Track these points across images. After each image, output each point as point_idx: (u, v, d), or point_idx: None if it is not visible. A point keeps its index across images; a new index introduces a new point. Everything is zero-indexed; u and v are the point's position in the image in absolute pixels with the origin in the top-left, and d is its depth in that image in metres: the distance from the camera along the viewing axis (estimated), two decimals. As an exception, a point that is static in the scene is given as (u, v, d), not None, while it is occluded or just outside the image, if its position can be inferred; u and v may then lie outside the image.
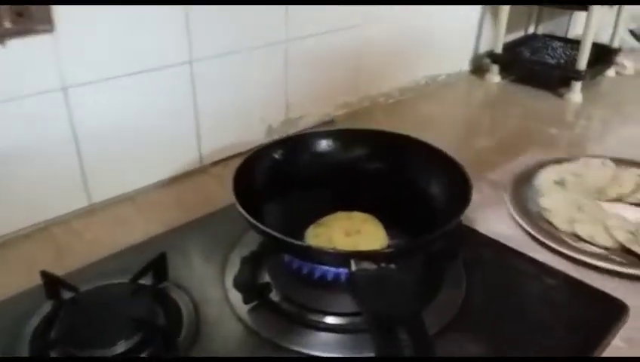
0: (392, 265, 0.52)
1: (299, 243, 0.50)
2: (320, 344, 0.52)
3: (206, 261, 0.62)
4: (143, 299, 0.53)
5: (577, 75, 1.08)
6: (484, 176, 0.81)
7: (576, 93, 1.10)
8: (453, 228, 0.50)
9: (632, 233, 0.64)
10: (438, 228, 0.51)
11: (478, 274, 0.60)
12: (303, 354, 0.51)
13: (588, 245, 0.65)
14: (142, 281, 0.56)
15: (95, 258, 0.61)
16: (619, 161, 0.78)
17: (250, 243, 0.60)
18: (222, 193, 0.70)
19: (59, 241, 0.67)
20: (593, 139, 0.99)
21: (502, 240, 0.66)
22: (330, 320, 0.54)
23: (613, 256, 0.63)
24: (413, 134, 0.66)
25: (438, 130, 0.99)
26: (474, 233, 0.67)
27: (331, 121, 0.97)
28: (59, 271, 0.56)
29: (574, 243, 0.65)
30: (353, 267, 0.45)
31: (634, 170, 0.76)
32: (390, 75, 1.06)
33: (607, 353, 0.52)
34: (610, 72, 1.22)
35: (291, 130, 0.90)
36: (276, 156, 0.63)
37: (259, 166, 0.61)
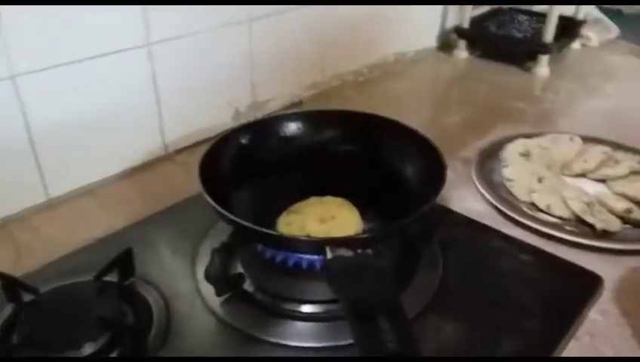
0: (369, 250, 0.51)
1: (271, 232, 0.48)
2: (296, 333, 0.51)
3: (174, 254, 0.59)
4: (110, 297, 0.51)
5: (544, 49, 1.08)
6: (455, 153, 0.81)
7: (543, 67, 1.10)
8: (429, 209, 0.49)
9: (587, 204, 0.65)
10: (413, 210, 0.50)
11: (454, 254, 0.59)
12: (279, 344, 0.49)
13: (544, 215, 0.66)
14: (107, 278, 0.53)
15: (56, 256, 0.58)
16: (586, 138, 0.78)
17: (221, 233, 0.58)
18: (188, 182, 0.67)
19: (17, 239, 0.63)
20: (560, 112, 1.00)
21: (475, 218, 0.66)
22: (306, 308, 0.52)
23: (567, 226, 0.64)
24: (383, 113, 0.64)
25: (408, 107, 0.98)
26: (448, 212, 0.67)
27: (300, 103, 0.95)
28: (19, 270, 0.54)
29: (532, 213, 0.66)
30: (329, 254, 0.44)
31: (600, 148, 0.76)
32: (358, 53, 1.04)
33: (585, 326, 0.52)
34: (576, 45, 1.23)
35: (259, 114, 0.87)
36: (243, 141, 0.60)
37: (226, 152, 0.59)
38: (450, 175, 0.75)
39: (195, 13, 0.74)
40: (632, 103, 0.98)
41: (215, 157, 0.56)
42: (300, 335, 0.50)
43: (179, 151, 0.80)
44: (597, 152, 0.75)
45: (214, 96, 0.81)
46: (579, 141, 0.77)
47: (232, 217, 0.47)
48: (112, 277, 0.53)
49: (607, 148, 0.76)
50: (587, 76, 1.11)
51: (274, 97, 0.90)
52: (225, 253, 0.52)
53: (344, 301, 0.39)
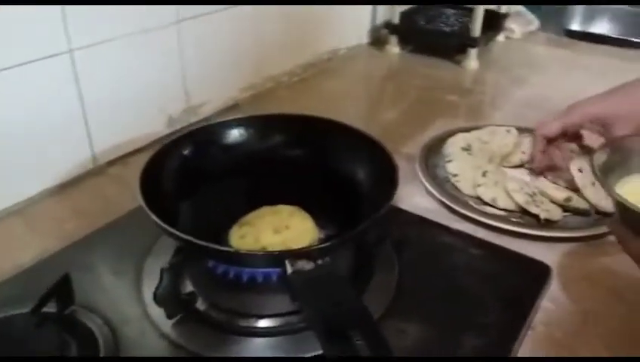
0: (328, 259, 0.49)
1: (226, 249, 0.45)
2: (254, 349, 0.48)
3: (117, 276, 0.55)
4: (50, 330, 0.46)
5: (473, 42, 1.10)
6: (397, 150, 0.81)
7: (472, 60, 1.12)
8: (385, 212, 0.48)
9: (530, 195, 0.67)
10: (367, 213, 0.49)
11: (408, 253, 0.58)
12: (237, 363, 0.47)
13: (491, 208, 0.67)
14: (45, 309, 0.48)
15: (-17, 287, 0.53)
16: (522, 129, 0.80)
17: (165, 250, 0.55)
18: (124, 196, 0.63)
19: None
20: (492, 104, 1.03)
21: (425, 215, 0.66)
22: (263, 323, 0.50)
23: (513, 218, 0.65)
24: (321, 112, 0.63)
25: (344, 105, 0.97)
26: (398, 211, 0.66)
27: (236, 105, 0.92)
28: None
29: (478, 207, 0.67)
30: (289, 269, 0.42)
31: (534, 138, 0.78)
32: (291, 53, 1.02)
33: (539, 315, 0.53)
34: (500, 37, 1.27)
35: (193, 119, 0.83)
36: (185, 152, 0.56)
37: (166, 165, 0.55)
38: (395, 173, 0.76)
39: (119, 15, 0.70)
40: (557, 92, 1.01)
41: (155, 171, 0.52)
42: (258, 351, 0.48)
43: (111, 163, 0.75)
44: (532, 143, 0.77)
45: (145, 102, 0.77)
46: (515, 132, 0.79)
47: (182, 235, 0.44)
48: (50, 308, 0.49)
49: (541, 138, 0.78)
50: (513, 67, 1.15)
51: (208, 101, 0.86)
52: (173, 271, 0.48)
53: (311, 316, 0.37)
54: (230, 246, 0.51)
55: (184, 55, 0.80)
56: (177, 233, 0.43)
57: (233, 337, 0.49)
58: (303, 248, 0.43)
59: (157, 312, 0.50)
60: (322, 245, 0.44)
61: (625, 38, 1.23)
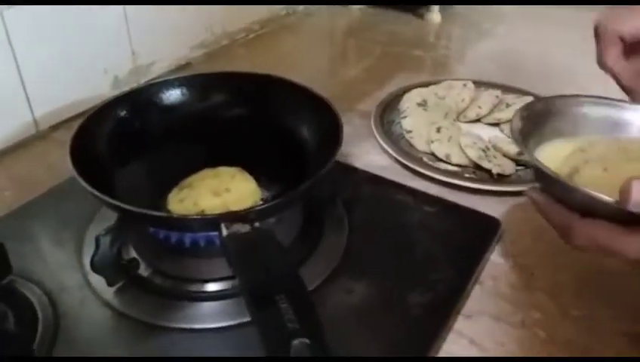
0: (272, 220, 0.48)
1: (158, 213, 0.44)
2: (203, 315, 0.47)
3: (57, 245, 0.53)
4: (-16, 302, 0.45)
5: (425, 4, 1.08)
6: (354, 107, 0.79)
7: (435, 13, 1.10)
8: (327, 172, 0.47)
9: (483, 150, 0.66)
10: (313, 173, 0.47)
11: (359, 212, 0.58)
12: (185, 329, 0.46)
13: (445, 164, 0.66)
14: (-22, 281, 0.47)
15: None
16: (479, 83, 0.79)
17: (109, 216, 0.53)
18: (68, 162, 0.61)
19: None
20: (455, 58, 1.01)
21: (378, 173, 0.65)
22: (211, 287, 0.49)
23: (466, 174, 0.65)
24: (278, 71, 0.61)
25: (304, 63, 0.95)
26: (350, 170, 0.65)
27: (188, 65, 0.88)
28: None
29: (432, 163, 0.66)
30: (224, 231, 0.40)
31: (492, 92, 0.77)
32: (247, 9, 0.98)
33: (488, 270, 0.53)
34: (464, -11, 1.24)
35: (143, 80, 0.80)
36: (121, 114, 0.54)
37: (101, 128, 0.52)
38: (349, 130, 0.74)
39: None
40: (521, 46, 1.00)
41: (88, 135, 0.50)
42: (206, 316, 0.47)
43: (54, 128, 0.72)
44: (489, 97, 0.76)
45: (87, 63, 0.73)
46: (472, 87, 0.78)
47: (112, 200, 0.42)
48: (-17, 280, 0.47)
49: (498, 92, 0.77)
50: (478, 21, 1.13)
51: (158, 60, 0.83)
52: (112, 238, 0.47)
53: (241, 281, 0.36)
54: (168, 211, 0.49)
55: (127, 11, 0.76)
56: (106, 198, 0.42)
57: (180, 302, 0.48)
58: (237, 211, 0.41)
59: (98, 280, 0.48)
60: (258, 207, 0.43)
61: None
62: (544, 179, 0.41)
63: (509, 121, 0.70)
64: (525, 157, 0.43)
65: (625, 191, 0.32)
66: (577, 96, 0.49)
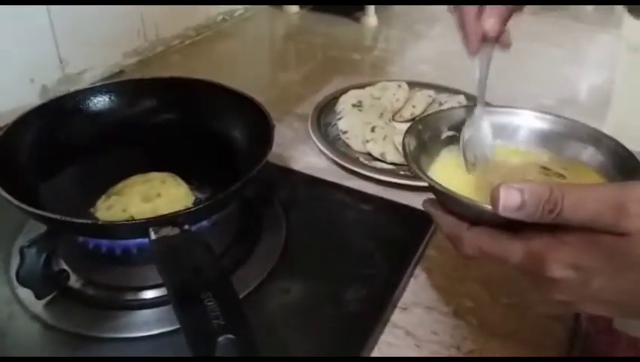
0: (206, 223, 0.48)
1: (82, 221, 0.42)
2: (137, 323, 0.47)
3: (-17, 259, 0.51)
4: None
5: (364, 4, 1.10)
6: (292, 111, 0.80)
7: (371, 17, 1.12)
8: (259, 173, 0.47)
9: None
10: (244, 175, 0.47)
11: (297, 213, 0.58)
12: (118, 339, 0.45)
13: (380, 163, 0.68)
14: None
15: None
16: (413, 84, 0.81)
17: (38, 229, 0.51)
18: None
19: None
20: (391, 60, 1.03)
21: (317, 174, 0.66)
22: (146, 294, 0.48)
23: (401, 171, 0.66)
24: (215, 77, 0.60)
25: (241, 69, 0.95)
26: (289, 172, 0.66)
27: (121, 72, 0.87)
28: None
29: (368, 163, 0.67)
30: (152, 236, 0.40)
31: (425, 92, 0.79)
32: (181, 15, 0.97)
33: (424, 263, 0.54)
34: (400, -7, 1.27)
35: (73, 89, 0.77)
36: (43, 123, 0.52)
37: (23, 137, 0.51)
38: (288, 133, 0.75)
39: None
40: (454, 47, 1.03)
41: (9, 145, 0.48)
42: (143, 325, 0.46)
43: (-20, 141, 0.69)
44: (423, 97, 0.78)
45: (13, 73, 0.71)
46: (406, 87, 0.80)
47: (33, 210, 0.41)
48: None
49: (432, 92, 0.79)
50: (413, 23, 1.16)
51: (88, 68, 0.81)
52: (38, 249, 0.45)
53: (167, 284, 0.36)
54: (96, 219, 0.48)
55: (53, 16, 0.74)
56: (27, 208, 0.40)
57: (114, 312, 0.47)
58: (165, 214, 0.41)
59: (26, 294, 0.47)
60: (185, 210, 0.43)
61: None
62: (433, 190, 0.40)
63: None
64: (415, 173, 0.42)
65: (494, 198, 0.32)
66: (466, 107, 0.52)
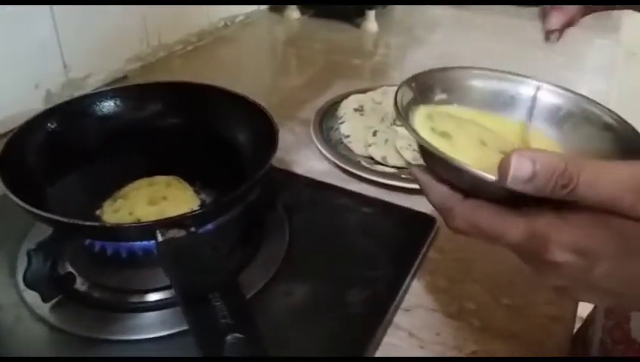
0: (211, 226, 0.48)
1: (89, 223, 0.43)
2: (144, 325, 0.47)
3: (-10, 263, 0.52)
4: None
5: (370, 4, 1.11)
6: (295, 116, 0.80)
7: (371, 22, 1.13)
8: (263, 177, 0.47)
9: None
10: (250, 179, 0.48)
11: (300, 217, 0.59)
12: (124, 341, 0.46)
13: (382, 166, 0.68)
14: None
15: None
16: (414, 88, 0.82)
17: (44, 232, 0.52)
18: None
19: None
20: (393, 65, 1.04)
21: (319, 178, 0.66)
22: (151, 297, 0.49)
23: (403, 175, 0.66)
24: (218, 82, 0.61)
25: (244, 74, 0.95)
26: (291, 176, 0.66)
27: (125, 78, 0.88)
28: None
29: (370, 166, 0.68)
30: (159, 238, 0.41)
31: (427, 96, 0.80)
32: (184, 21, 0.98)
33: (425, 266, 0.55)
34: (400, -1, 1.28)
35: (77, 94, 0.79)
36: (52, 126, 0.53)
37: (31, 141, 0.51)
38: (290, 138, 0.75)
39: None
40: (455, 52, 1.04)
41: (18, 149, 0.49)
42: (148, 327, 0.47)
43: (-15, 146, 0.69)
44: (424, 101, 0.79)
45: (18, 78, 0.72)
46: (407, 92, 0.80)
47: (41, 212, 0.41)
48: None
49: (431, 96, 0.80)
50: (413, 28, 1.17)
51: (92, 73, 0.82)
52: (45, 252, 0.46)
53: (176, 286, 0.36)
54: (103, 222, 0.49)
55: (58, 21, 0.74)
56: (35, 210, 0.41)
57: (120, 315, 0.48)
58: (172, 217, 0.41)
59: (33, 297, 0.47)
60: (192, 213, 0.43)
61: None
62: (425, 154, 0.36)
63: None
64: (408, 132, 0.36)
65: (503, 167, 0.29)
66: (468, 68, 0.45)
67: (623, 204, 0.28)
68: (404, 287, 0.51)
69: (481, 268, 0.55)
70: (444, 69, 0.44)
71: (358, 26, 1.14)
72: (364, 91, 0.82)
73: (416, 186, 0.63)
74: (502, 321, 0.49)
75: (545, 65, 0.99)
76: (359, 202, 0.62)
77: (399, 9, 1.26)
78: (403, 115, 0.37)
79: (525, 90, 0.44)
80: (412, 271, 0.53)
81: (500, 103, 0.44)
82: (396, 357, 0.46)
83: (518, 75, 0.44)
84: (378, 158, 0.68)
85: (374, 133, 0.71)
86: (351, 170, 0.66)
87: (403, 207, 0.61)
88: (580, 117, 0.42)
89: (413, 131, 0.35)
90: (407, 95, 0.40)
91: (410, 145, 0.68)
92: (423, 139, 0.35)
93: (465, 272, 0.54)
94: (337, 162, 0.68)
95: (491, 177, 0.29)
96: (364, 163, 0.69)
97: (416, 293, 0.52)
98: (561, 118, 0.43)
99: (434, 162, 0.35)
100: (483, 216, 0.32)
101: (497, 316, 0.50)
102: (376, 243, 0.56)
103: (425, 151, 0.35)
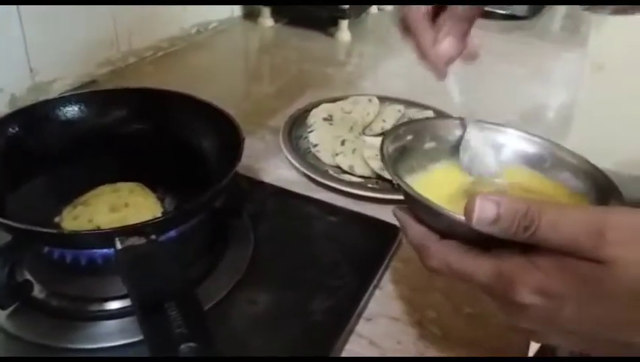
0: (173, 234, 0.48)
1: (46, 230, 0.42)
2: (103, 334, 0.47)
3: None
4: None
5: (342, 14, 1.12)
6: (266, 123, 0.81)
7: (344, 32, 1.14)
8: (228, 184, 0.47)
9: None
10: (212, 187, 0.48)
11: (266, 225, 0.59)
12: (83, 349, 0.45)
13: (349, 176, 0.69)
14: None
15: None
16: (383, 98, 0.83)
17: (2, 239, 0.51)
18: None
19: None
20: (364, 75, 1.04)
21: (287, 187, 0.66)
22: (111, 305, 0.48)
23: (369, 184, 0.67)
24: (188, 89, 0.61)
25: (214, 81, 0.95)
26: (258, 184, 0.66)
27: (93, 82, 0.87)
28: None
29: (337, 175, 0.68)
30: (118, 245, 0.40)
31: (395, 107, 0.81)
32: (155, 26, 0.98)
33: (389, 275, 0.55)
34: (374, 9, 1.29)
35: (43, 98, 0.77)
36: (13, 131, 0.52)
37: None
38: (260, 146, 0.75)
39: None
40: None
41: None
42: (108, 335, 0.46)
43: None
44: (393, 111, 0.80)
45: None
46: (376, 102, 0.81)
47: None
48: None
49: (401, 107, 0.81)
50: (386, 38, 1.18)
51: (59, 77, 0.81)
52: (2, 259, 0.45)
53: (131, 294, 0.36)
54: (61, 229, 0.48)
55: (25, 23, 0.73)
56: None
57: (79, 322, 0.47)
58: (132, 224, 0.41)
59: (-11, 305, 0.46)
60: (152, 220, 0.43)
61: (490, 10, 1.30)
62: (406, 196, 0.38)
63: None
64: (391, 177, 0.40)
65: (469, 209, 0.30)
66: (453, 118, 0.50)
67: (580, 247, 0.29)
68: (366, 296, 0.52)
69: (445, 277, 0.55)
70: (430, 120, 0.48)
71: (331, 35, 1.15)
72: (334, 100, 0.82)
73: (382, 196, 0.64)
74: (463, 330, 0.50)
75: (511, 79, 1.01)
76: (325, 211, 0.62)
77: (373, 19, 1.28)
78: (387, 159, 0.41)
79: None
80: (375, 280, 0.54)
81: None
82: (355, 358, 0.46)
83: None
84: (345, 168, 0.69)
85: (342, 143, 0.71)
86: (318, 179, 0.67)
87: (369, 217, 0.61)
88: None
89: (390, 170, 0.39)
90: (392, 147, 0.43)
91: (376, 155, 0.69)
92: (399, 178, 0.38)
93: (427, 282, 0.55)
94: (305, 171, 0.68)
95: (461, 217, 0.31)
96: (331, 172, 0.69)
97: (379, 302, 0.52)
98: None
99: (412, 202, 0.38)
100: (455, 256, 0.33)
101: (458, 325, 0.50)
102: (340, 252, 0.57)
103: (405, 192, 0.37)
